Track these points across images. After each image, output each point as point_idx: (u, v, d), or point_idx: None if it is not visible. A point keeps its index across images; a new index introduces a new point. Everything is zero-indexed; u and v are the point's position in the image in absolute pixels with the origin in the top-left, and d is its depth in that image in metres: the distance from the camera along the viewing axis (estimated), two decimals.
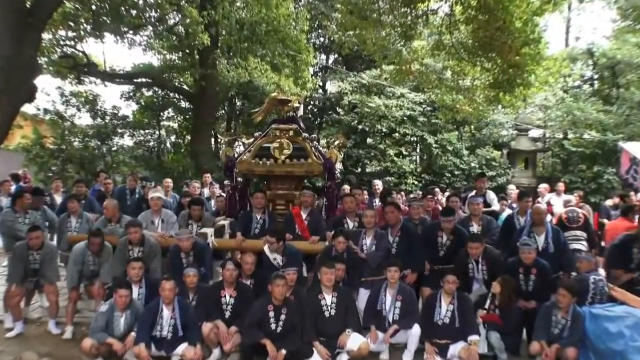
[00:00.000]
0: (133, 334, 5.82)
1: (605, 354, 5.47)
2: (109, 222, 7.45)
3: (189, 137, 19.62)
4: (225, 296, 6.19)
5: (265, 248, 6.76)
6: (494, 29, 8.23)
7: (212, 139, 19.59)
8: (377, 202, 9.19)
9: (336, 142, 8.24)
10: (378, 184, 9.89)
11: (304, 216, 7.52)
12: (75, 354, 6.13)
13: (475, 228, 7.24)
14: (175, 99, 19.97)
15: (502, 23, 8.14)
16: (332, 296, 6.01)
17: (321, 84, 24.10)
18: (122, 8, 13.69)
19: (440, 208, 8.22)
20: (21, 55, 6.46)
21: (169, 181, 10.23)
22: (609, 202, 10.71)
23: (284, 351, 5.61)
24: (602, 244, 8.49)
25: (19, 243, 6.80)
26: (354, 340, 5.83)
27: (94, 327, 5.84)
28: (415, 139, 18.75)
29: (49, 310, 6.99)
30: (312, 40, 21.37)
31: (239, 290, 6.23)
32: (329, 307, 5.98)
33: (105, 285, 6.78)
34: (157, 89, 19.13)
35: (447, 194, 10.06)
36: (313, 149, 7.97)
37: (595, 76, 21.47)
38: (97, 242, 6.80)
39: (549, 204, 10.12)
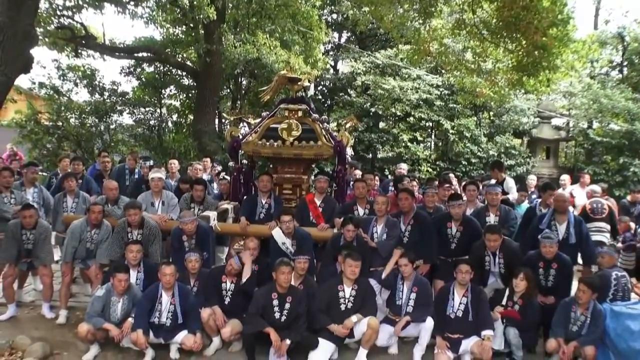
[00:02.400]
0: (130, 319, 5.87)
1: (626, 354, 5.46)
2: (107, 203, 7.49)
3: (191, 117, 19.58)
4: (225, 282, 6.25)
5: (274, 232, 6.78)
6: (519, 7, 8.13)
7: (216, 119, 19.55)
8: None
9: (348, 125, 8.19)
10: (404, 168, 9.84)
11: (318, 202, 7.52)
12: (70, 339, 6.22)
13: (492, 218, 7.22)
14: (177, 76, 19.93)
15: (528, 1, 8.04)
16: (352, 289, 6.03)
17: (332, 63, 23.98)
18: None
19: None
20: (17, 24, 6.46)
21: (174, 163, 10.11)
22: (628, 198, 10.65)
23: (288, 341, 5.63)
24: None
25: (13, 221, 6.85)
26: (362, 326, 5.88)
27: (90, 312, 5.89)
28: (430, 124, 18.68)
29: (42, 294, 7.08)
30: (324, 17, 21.24)
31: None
32: (347, 300, 5.99)
33: (102, 267, 6.84)
34: (158, 65, 19.06)
35: (463, 183, 10.00)
36: (323, 131, 7.95)
37: (625, 62, 21.26)
38: (98, 210, 6.86)
39: (571, 195, 10.10)
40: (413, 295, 6.12)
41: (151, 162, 9.54)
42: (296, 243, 6.74)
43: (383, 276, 6.31)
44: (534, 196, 9.48)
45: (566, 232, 6.71)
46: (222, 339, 6.09)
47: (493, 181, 8.70)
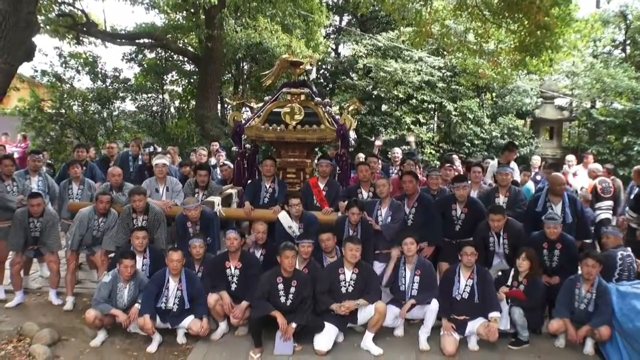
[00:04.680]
0: (137, 305, 5.89)
1: (632, 333, 5.40)
2: (111, 189, 7.49)
3: (193, 102, 19.55)
4: (230, 267, 6.23)
5: (280, 216, 6.78)
6: None
7: (219, 104, 19.51)
8: (394, 170, 9.18)
9: (350, 108, 8.15)
10: (398, 152, 9.79)
11: (321, 186, 7.49)
12: (78, 325, 6.24)
13: (502, 199, 7.16)
14: (179, 62, 19.87)
15: None
16: (353, 272, 6.00)
17: (334, 46, 23.85)
18: None
19: None
20: (19, 12, 6.40)
21: (173, 148, 10.08)
22: None
23: (294, 325, 5.65)
24: None
25: (20, 209, 6.85)
26: (366, 312, 5.88)
27: (97, 298, 5.92)
28: (433, 106, 18.52)
29: (49, 280, 7.11)
30: (324, 0, 21.10)
31: (244, 262, 6.26)
32: (347, 284, 5.97)
33: (108, 254, 6.86)
34: (160, 51, 19.01)
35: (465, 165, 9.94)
36: (326, 114, 7.92)
37: (628, 41, 21.06)
38: (106, 200, 6.88)
39: (574, 175, 10.07)
40: (417, 279, 6.09)
41: (151, 149, 9.48)
42: (303, 226, 6.74)
43: (384, 281, 6.28)
44: (538, 177, 9.44)
45: (562, 213, 6.66)
46: (230, 324, 6.11)
47: (495, 161, 8.65)
